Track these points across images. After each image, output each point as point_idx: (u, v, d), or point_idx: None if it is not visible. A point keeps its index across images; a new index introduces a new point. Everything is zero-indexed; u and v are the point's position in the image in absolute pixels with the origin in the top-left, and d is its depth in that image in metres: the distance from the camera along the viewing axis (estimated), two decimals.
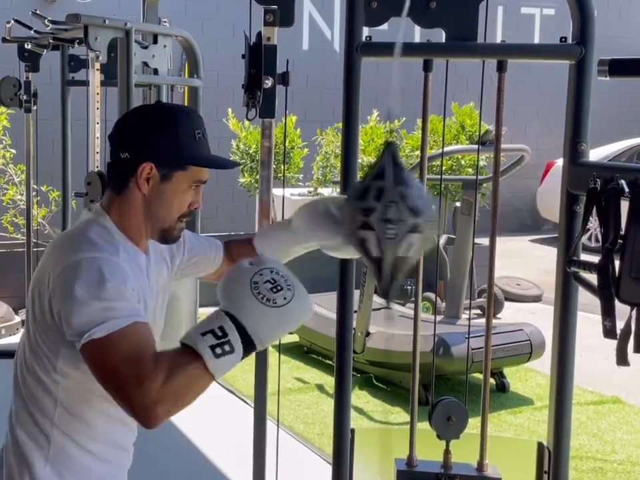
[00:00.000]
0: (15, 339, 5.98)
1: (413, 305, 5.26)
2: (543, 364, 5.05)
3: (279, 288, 1.49)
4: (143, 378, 1.43)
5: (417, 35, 9.41)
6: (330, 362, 5.37)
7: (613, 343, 1.84)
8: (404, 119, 7.82)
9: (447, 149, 5.98)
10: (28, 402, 1.71)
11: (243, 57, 2.37)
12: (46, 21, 4.70)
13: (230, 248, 2.12)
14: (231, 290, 1.51)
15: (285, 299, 1.49)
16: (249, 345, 1.48)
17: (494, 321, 2.34)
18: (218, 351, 1.44)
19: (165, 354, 1.48)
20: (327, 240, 1.96)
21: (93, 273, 1.56)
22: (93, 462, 1.73)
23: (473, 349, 4.01)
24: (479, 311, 6.52)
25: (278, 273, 1.51)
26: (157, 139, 1.71)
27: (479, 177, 5.69)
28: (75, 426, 1.70)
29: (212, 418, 4.65)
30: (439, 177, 6.21)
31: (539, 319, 6.03)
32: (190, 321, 4.71)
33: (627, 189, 1.81)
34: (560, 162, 9.08)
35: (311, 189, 7.98)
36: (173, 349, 1.48)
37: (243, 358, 1.49)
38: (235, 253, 2.10)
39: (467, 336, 4.27)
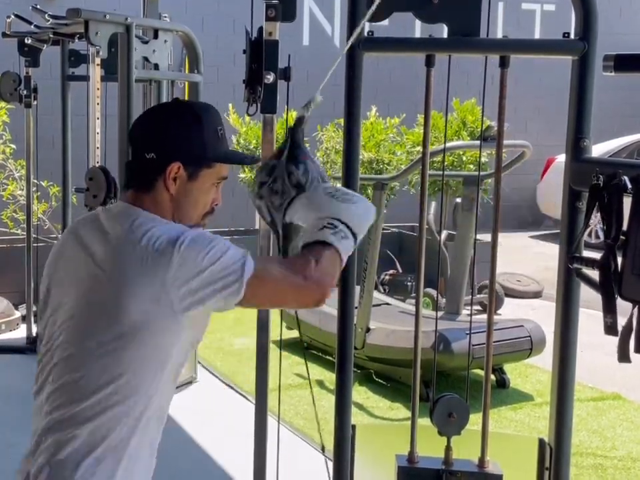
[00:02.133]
0: (15, 334, 5.98)
1: (413, 301, 5.26)
2: (543, 360, 5.04)
3: (347, 192, 1.83)
4: (299, 268, 1.66)
5: (418, 30, 9.42)
6: (330, 358, 5.37)
7: (614, 339, 1.84)
8: (404, 115, 7.81)
9: (448, 145, 5.97)
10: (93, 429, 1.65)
11: (244, 52, 2.36)
12: (46, 15, 4.70)
13: None
14: (312, 204, 1.78)
15: (356, 197, 1.81)
16: (352, 233, 1.74)
17: (494, 317, 2.34)
18: (339, 236, 1.71)
19: (301, 253, 1.71)
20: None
21: (200, 235, 1.66)
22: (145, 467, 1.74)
23: (473, 345, 4.00)
24: (479, 307, 6.51)
25: (336, 187, 1.87)
26: (183, 138, 1.72)
27: (481, 173, 5.68)
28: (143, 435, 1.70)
29: (213, 413, 4.65)
30: (441, 172, 6.21)
31: (539, 315, 6.02)
32: None
33: (629, 185, 1.81)
34: (560, 158, 9.03)
35: None
36: (299, 252, 1.72)
37: (354, 243, 1.75)
38: None
39: (467, 332, 4.27)
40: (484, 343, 2.28)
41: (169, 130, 1.73)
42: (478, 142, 6.13)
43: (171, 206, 1.73)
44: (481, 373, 2.94)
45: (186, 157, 1.71)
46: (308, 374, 4.35)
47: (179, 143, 1.71)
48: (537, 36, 10.94)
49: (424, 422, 2.31)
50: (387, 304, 6.06)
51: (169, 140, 1.72)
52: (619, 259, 1.83)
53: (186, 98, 5.15)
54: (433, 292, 6.31)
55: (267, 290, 1.68)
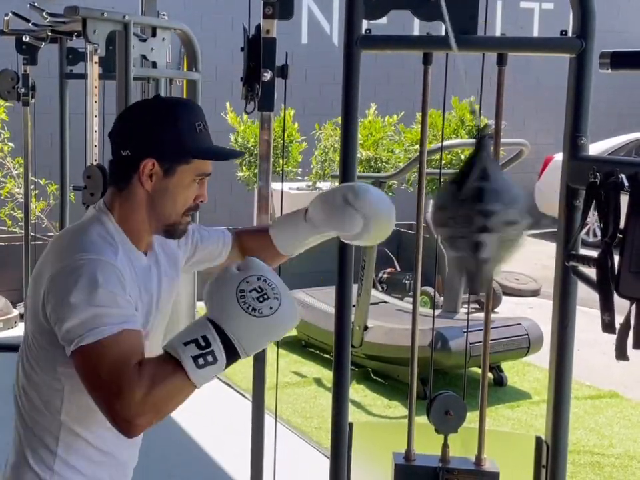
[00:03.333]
0: (13, 332, 5.98)
1: (410, 299, 5.25)
2: (541, 358, 5.05)
3: (265, 297, 1.48)
4: (124, 389, 1.43)
5: (416, 28, 9.42)
6: (328, 356, 5.37)
7: (611, 337, 1.84)
8: (402, 112, 7.81)
9: (446, 143, 5.97)
10: (30, 411, 1.69)
11: (242, 49, 2.36)
12: (44, 13, 4.69)
13: (243, 237, 2.10)
14: (216, 297, 1.50)
15: (270, 308, 1.47)
16: (232, 355, 1.48)
17: (492, 315, 2.34)
18: (200, 361, 1.44)
19: (149, 363, 1.48)
20: (344, 230, 1.97)
21: (88, 277, 1.54)
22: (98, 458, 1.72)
23: (471, 343, 4.02)
24: (476, 305, 6.52)
25: (265, 280, 1.50)
26: (157, 133, 1.69)
27: None
28: (80, 425, 1.69)
29: (210, 412, 4.65)
30: (438, 171, 6.21)
31: (537, 313, 6.03)
32: (188, 315, 4.71)
33: (626, 183, 1.81)
34: (558, 156, 9.04)
35: (310, 183, 7.97)
36: (158, 356, 1.49)
37: (225, 367, 1.49)
38: (248, 243, 2.09)
39: (465, 330, 4.28)
40: (481, 341, 2.29)
41: (143, 126, 1.70)
42: (475, 140, 6.14)
43: (146, 203, 1.71)
44: (478, 370, 2.94)
45: (160, 152, 1.68)
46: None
47: (153, 138, 1.69)
48: (535, 34, 10.94)
49: (421, 420, 2.32)
50: (385, 302, 6.07)
51: (143, 136, 1.70)
52: (616, 257, 1.83)
53: (184, 96, 5.15)
54: (431, 290, 6.31)
55: (83, 375, 1.52)
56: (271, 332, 1.50)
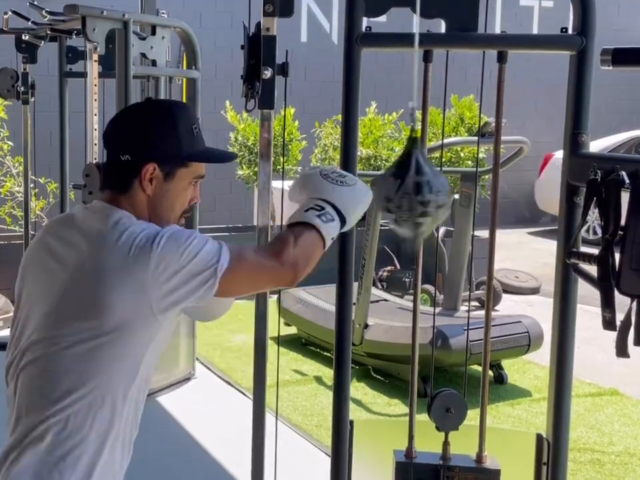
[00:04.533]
0: None
1: (411, 297, 5.25)
2: (541, 356, 5.05)
3: (343, 175, 1.82)
4: (278, 251, 1.68)
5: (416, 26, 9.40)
6: (328, 354, 5.37)
7: (611, 335, 1.84)
8: (402, 110, 7.81)
9: (446, 140, 5.97)
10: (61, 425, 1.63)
11: (242, 47, 2.35)
12: (43, 12, 4.69)
13: None
14: (308, 185, 1.80)
15: (352, 179, 1.82)
16: (340, 216, 1.75)
17: (492, 313, 2.34)
18: (323, 219, 1.73)
19: (284, 231, 1.72)
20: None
21: (178, 236, 1.63)
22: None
23: (471, 341, 4.01)
24: (477, 303, 6.52)
25: (333, 169, 1.84)
26: (157, 138, 1.70)
27: (479, 169, 5.68)
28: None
29: (211, 410, 4.65)
30: (438, 169, 6.21)
31: (537, 311, 6.03)
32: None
33: (627, 180, 1.81)
34: (558, 154, 9.05)
35: None
36: (287, 227, 1.74)
37: (340, 229, 1.77)
38: None
39: (465, 328, 4.27)
40: (482, 339, 2.29)
41: (143, 130, 1.71)
42: (476, 138, 6.14)
43: (147, 207, 1.72)
44: (479, 368, 2.94)
45: (161, 157, 1.70)
46: None
47: (154, 143, 1.70)
48: (535, 32, 10.94)
49: (422, 417, 2.32)
50: (385, 300, 6.07)
51: (143, 140, 1.71)
52: (617, 255, 1.83)
53: (184, 94, 5.15)
54: (431, 288, 6.31)
55: (242, 280, 1.70)
56: (359, 197, 1.80)
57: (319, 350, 5.60)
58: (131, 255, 1.60)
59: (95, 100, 4.19)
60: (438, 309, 5.66)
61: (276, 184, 4.06)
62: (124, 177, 1.71)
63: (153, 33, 4.47)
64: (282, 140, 5.96)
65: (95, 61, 4.14)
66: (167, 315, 1.64)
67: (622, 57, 2.02)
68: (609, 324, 1.83)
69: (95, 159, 4.18)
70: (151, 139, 1.70)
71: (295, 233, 1.70)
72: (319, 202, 1.74)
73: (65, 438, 1.62)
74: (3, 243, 6.74)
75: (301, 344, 5.78)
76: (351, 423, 2.31)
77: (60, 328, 1.64)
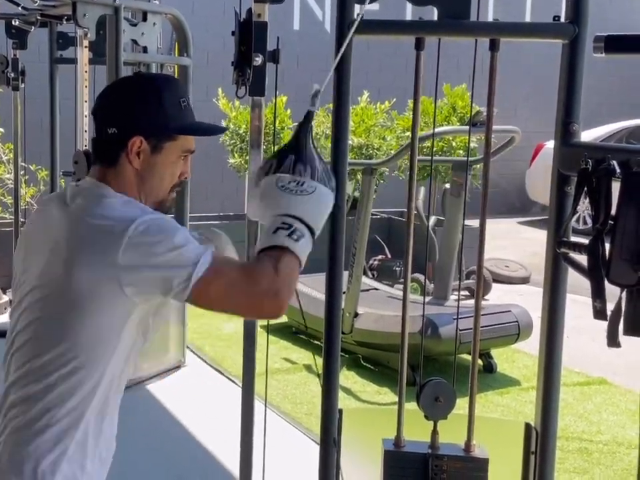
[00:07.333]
0: (3, 318, 5.96)
1: (401, 286, 5.25)
2: (530, 345, 5.07)
3: (301, 182, 1.70)
4: (257, 276, 1.59)
5: (409, 13, 9.39)
6: (318, 342, 5.38)
7: (599, 324, 1.84)
8: (394, 99, 7.80)
9: (437, 129, 5.97)
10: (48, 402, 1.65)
11: (233, 33, 2.34)
12: None
13: None
14: (265, 200, 1.69)
15: (311, 185, 1.70)
16: (309, 229, 1.66)
17: (482, 303, 2.34)
18: (294, 237, 1.63)
19: (257, 258, 1.62)
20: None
21: (162, 224, 1.61)
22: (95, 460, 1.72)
23: (461, 330, 4.02)
24: (467, 292, 6.53)
25: (290, 177, 1.71)
26: (143, 111, 1.70)
27: (470, 159, 5.68)
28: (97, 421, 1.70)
29: (201, 398, 4.66)
30: (430, 158, 6.21)
31: (527, 300, 6.04)
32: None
33: (618, 170, 1.80)
34: (549, 144, 9.06)
35: None
36: (258, 254, 1.63)
37: (312, 240, 1.67)
38: None
39: (455, 317, 4.28)
40: (471, 328, 2.29)
41: (129, 103, 1.71)
42: (467, 127, 6.13)
43: (135, 180, 1.72)
44: (468, 357, 2.94)
45: (147, 129, 1.69)
46: None
47: (139, 115, 1.70)
48: (527, 21, 10.93)
49: (411, 406, 2.32)
50: (375, 289, 6.07)
51: (129, 113, 1.70)
52: (607, 244, 1.83)
53: None
54: (421, 277, 6.32)
55: (217, 295, 1.61)
56: (322, 204, 1.71)
57: (309, 338, 5.61)
58: (105, 234, 1.60)
59: (86, 87, 4.18)
60: (428, 298, 5.67)
61: None
62: (111, 150, 1.71)
63: (144, 19, 4.44)
64: (273, 128, 5.95)
65: (86, 47, 4.12)
66: (137, 294, 1.62)
67: (615, 44, 2.01)
68: (599, 313, 1.82)
69: (85, 145, 4.16)
70: (137, 112, 1.70)
71: (272, 259, 1.60)
72: (284, 219, 1.64)
73: (48, 408, 1.64)
74: None
75: (291, 332, 5.78)
76: (340, 411, 2.31)
77: (40, 300, 1.68)
